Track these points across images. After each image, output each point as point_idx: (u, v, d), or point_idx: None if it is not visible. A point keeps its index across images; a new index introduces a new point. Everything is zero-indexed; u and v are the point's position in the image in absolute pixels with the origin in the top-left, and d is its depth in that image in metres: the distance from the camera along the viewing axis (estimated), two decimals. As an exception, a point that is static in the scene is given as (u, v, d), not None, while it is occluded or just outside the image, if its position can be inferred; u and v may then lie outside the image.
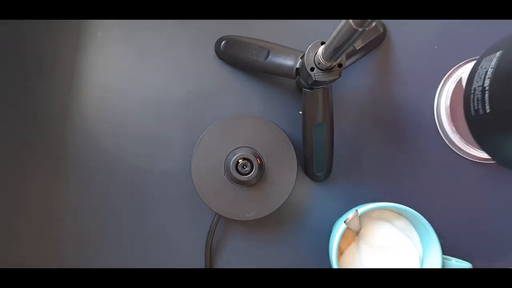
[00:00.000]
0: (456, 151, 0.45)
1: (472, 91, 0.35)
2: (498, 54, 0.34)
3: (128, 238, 0.45)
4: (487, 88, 0.33)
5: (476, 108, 0.34)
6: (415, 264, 0.40)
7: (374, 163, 0.45)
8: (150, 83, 0.45)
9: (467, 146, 0.44)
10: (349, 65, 0.43)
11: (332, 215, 0.45)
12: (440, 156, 0.45)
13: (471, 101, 0.35)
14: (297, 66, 0.37)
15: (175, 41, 0.46)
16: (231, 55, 0.44)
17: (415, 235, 0.41)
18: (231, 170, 0.40)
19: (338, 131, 0.43)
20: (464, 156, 0.45)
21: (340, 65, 0.33)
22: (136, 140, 0.45)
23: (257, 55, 0.41)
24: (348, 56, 0.42)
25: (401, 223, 0.42)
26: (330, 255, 0.40)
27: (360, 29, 0.24)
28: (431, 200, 0.45)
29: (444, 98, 0.44)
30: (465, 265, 0.40)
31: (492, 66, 0.34)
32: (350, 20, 0.24)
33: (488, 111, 0.33)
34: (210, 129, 0.42)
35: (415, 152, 0.45)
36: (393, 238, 0.41)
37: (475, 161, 0.45)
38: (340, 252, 0.41)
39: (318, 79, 0.34)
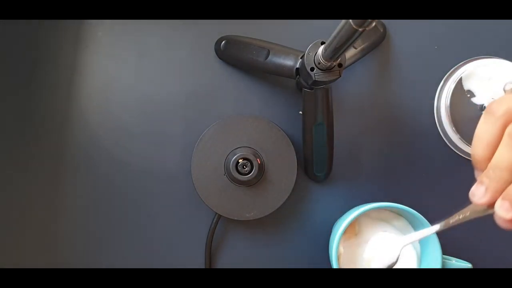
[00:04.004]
0: (456, 151, 0.45)
1: None
2: None
3: (128, 238, 0.45)
4: None
5: None
6: (413, 264, 0.40)
7: (374, 163, 0.45)
8: (150, 83, 0.45)
9: (467, 146, 0.44)
10: (349, 65, 0.43)
11: (332, 215, 0.45)
12: (440, 156, 0.45)
13: None
14: (297, 66, 0.37)
15: (175, 41, 0.46)
16: (231, 55, 0.44)
17: (415, 235, 0.41)
18: (231, 170, 0.40)
19: (338, 131, 0.43)
20: (464, 156, 0.45)
21: (340, 65, 0.33)
22: (136, 140, 0.45)
23: (257, 55, 0.41)
24: (348, 56, 0.42)
25: (400, 223, 0.42)
26: (330, 255, 0.40)
27: (360, 29, 0.24)
28: (431, 200, 0.45)
29: (444, 98, 0.44)
30: (465, 265, 0.40)
31: None
32: (350, 20, 0.24)
33: None
34: (210, 129, 0.42)
35: (415, 152, 0.45)
36: (392, 238, 0.41)
37: (475, 161, 0.45)
38: (340, 252, 0.41)
39: (318, 79, 0.34)
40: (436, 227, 0.32)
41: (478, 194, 0.28)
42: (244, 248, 0.45)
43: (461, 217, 0.30)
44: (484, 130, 0.28)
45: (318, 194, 0.45)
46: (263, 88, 0.46)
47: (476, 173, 0.30)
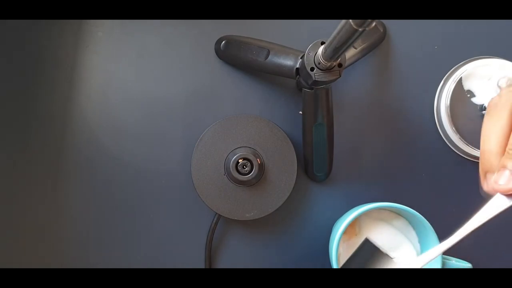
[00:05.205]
0: (456, 151, 0.45)
1: None
2: None
3: (128, 238, 0.45)
4: None
5: None
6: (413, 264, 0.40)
7: (374, 163, 0.45)
8: (150, 83, 0.45)
9: (467, 146, 0.44)
10: (349, 65, 0.43)
11: (332, 215, 0.45)
12: (440, 156, 0.45)
13: None
14: (297, 66, 0.37)
15: (175, 41, 0.46)
16: (231, 55, 0.44)
17: (413, 235, 0.41)
18: (231, 170, 0.40)
19: (338, 131, 0.43)
20: (464, 156, 0.45)
21: (340, 65, 0.33)
22: (136, 140, 0.45)
23: (257, 55, 0.41)
24: (348, 56, 0.42)
25: (400, 223, 0.42)
26: (330, 255, 0.40)
27: (360, 29, 0.24)
28: (431, 200, 0.45)
29: (444, 98, 0.44)
30: (465, 265, 0.40)
31: None
32: (350, 20, 0.24)
33: None
34: (210, 129, 0.42)
35: (415, 152, 0.45)
36: (392, 238, 0.41)
37: (475, 161, 0.45)
38: (340, 252, 0.41)
39: (318, 79, 0.34)
40: (455, 237, 0.30)
41: (504, 179, 0.26)
42: (244, 248, 0.45)
43: (484, 216, 0.28)
44: (491, 124, 0.28)
45: (318, 194, 0.45)
46: (263, 88, 0.46)
47: (485, 177, 0.29)
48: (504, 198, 0.27)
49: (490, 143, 0.28)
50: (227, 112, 0.45)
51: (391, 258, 0.32)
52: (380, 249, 0.36)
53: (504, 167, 0.27)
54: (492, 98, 0.29)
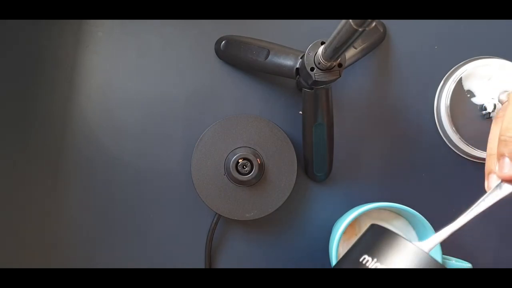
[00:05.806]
0: (456, 151, 0.45)
1: None
2: None
3: (128, 238, 0.45)
4: None
5: None
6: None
7: (374, 163, 0.45)
8: (150, 83, 0.45)
9: (467, 146, 0.44)
10: (349, 65, 0.43)
11: (332, 215, 0.45)
12: (440, 156, 0.45)
13: None
14: (297, 66, 0.37)
15: (175, 41, 0.46)
16: (231, 55, 0.44)
17: (413, 235, 0.41)
18: (231, 170, 0.40)
19: (338, 131, 0.43)
20: (464, 156, 0.45)
21: (340, 65, 0.33)
22: (136, 140, 0.45)
23: (257, 55, 0.41)
24: (348, 56, 0.42)
25: (400, 223, 0.42)
26: (330, 255, 0.40)
27: (360, 29, 0.24)
28: (431, 200, 0.45)
29: (444, 98, 0.44)
30: (465, 265, 0.40)
31: None
32: (350, 20, 0.24)
33: None
34: (210, 129, 0.42)
35: (415, 152, 0.45)
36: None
37: (475, 161, 0.45)
38: (340, 252, 0.41)
39: (318, 79, 0.34)
40: (465, 218, 0.32)
41: (507, 166, 0.28)
42: (244, 248, 0.45)
43: (491, 200, 0.30)
44: (497, 130, 0.29)
45: (318, 194, 0.45)
46: (263, 88, 0.46)
47: (488, 177, 0.31)
48: (507, 185, 0.29)
49: (495, 148, 0.29)
50: (227, 112, 0.45)
51: (404, 238, 0.32)
52: (391, 229, 0.35)
53: (502, 155, 0.28)
54: (499, 110, 0.32)
